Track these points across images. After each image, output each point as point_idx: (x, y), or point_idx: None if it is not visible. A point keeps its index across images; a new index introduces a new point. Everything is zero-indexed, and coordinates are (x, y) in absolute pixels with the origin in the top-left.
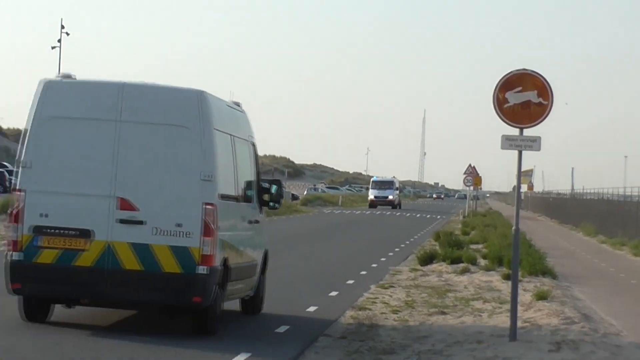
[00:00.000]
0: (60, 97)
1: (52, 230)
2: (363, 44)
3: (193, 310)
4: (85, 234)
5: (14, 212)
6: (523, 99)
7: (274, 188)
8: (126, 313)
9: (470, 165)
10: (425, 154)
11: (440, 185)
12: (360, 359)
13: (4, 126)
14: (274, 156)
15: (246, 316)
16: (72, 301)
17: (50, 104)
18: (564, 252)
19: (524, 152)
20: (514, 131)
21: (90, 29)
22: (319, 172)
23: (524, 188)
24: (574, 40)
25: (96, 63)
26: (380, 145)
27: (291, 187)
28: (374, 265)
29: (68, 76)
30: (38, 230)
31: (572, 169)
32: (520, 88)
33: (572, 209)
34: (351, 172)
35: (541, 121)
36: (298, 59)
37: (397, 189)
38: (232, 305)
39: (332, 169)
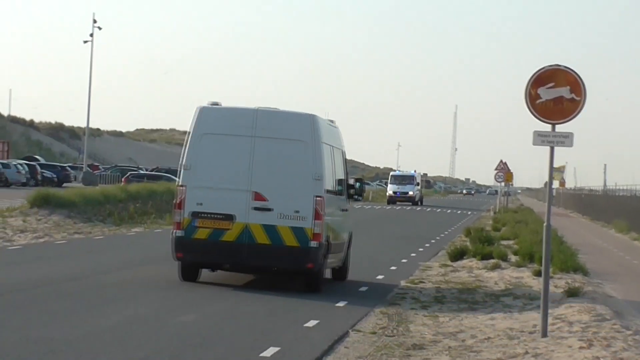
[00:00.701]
0: (211, 119)
1: (206, 215)
2: (394, 39)
3: (306, 273)
4: (229, 217)
5: (178, 201)
6: (555, 95)
7: (357, 185)
8: (250, 277)
9: (501, 161)
10: (456, 149)
11: (471, 181)
12: (390, 355)
13: (37, 120)
14: None
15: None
16: (217, 267)
17: (204, 123)
18: (595, 249)
19: (556, 148)
20: (546, 127)
21: (122, 23)
22: (349, 167)
23: (555, 184)
24: (606, 35)
25: (127, 57)
26: (412, 140)
27: None
28: (404, 260)
29: (216, 104)
30: (195, 214)
31: (605, 165)
32: (552, 84)
33: (604, 206)
34: (382, 167)
35: (574, 117)
36: (329, 53)
37: (417, 184)
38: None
39: (363, 164)
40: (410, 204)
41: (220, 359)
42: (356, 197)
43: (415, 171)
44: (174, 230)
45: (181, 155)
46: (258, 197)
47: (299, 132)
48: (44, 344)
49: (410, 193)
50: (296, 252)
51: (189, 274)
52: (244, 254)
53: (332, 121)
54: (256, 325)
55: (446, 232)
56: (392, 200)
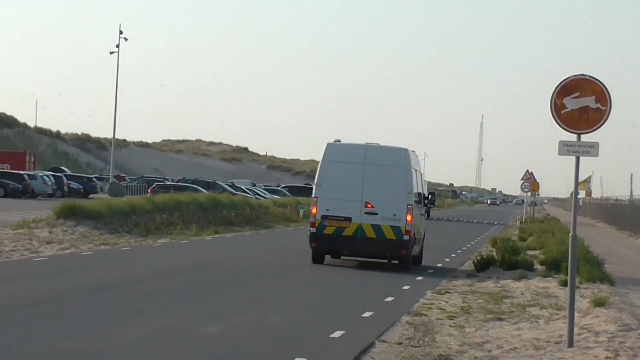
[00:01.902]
0: (335, 151)
1: (331, 217)
2: (421, 50)
3: (401, 258)
4: (348, 219)
5: (312, 209)
6: (581, 105)
7: (430, 196)
8: (358, 261)
9: (527, 171)
10: (482, 159)
11: (497, 191)
12: None
13: (63, 131)
14: None
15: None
16: (339, 254)
17: (330, 154)
18: (622, 259)
19: (581, 158)
20: (572, 137)
21: (148, 34)
22: None
23: (581, 194)
24: (633, 44)
25: (154, 67)
26: (438, 150)
27: None
28: (430, 270)
29: (338, 140)
30: (324, 217)
31: (631, 174)
32: (578, 94)
33: (631, 215)
34: None
35: (599, 127)
36: (353, 61)
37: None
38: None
39: None
40: None
41: None
42: (430, 205)
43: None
44: (310, 228)
45: (316, 177)
46: (368, 205)
47: (396, 160)
48: (70, 355)
49: None
50: (394, 244)
51: (318, 258)
52: (358, 244)
53: (414, 151)
54: (282, 336)
55: (473, 242)
56: None
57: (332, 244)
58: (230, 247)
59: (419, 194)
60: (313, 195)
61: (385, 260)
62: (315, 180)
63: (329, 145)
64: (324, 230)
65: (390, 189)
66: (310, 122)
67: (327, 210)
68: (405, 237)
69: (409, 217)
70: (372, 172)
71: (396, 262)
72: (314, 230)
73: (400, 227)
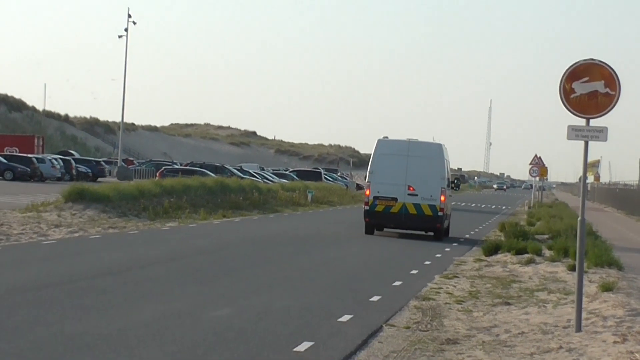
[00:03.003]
0: (384, 145)
1: (381, 198)
2: (428, 34)
3: (435, 230)
4: (394, 199)
5: (366, 191)
6: (590, 89)
7: (456, 180)
8: (400, 233)
9: (536, 155)
10: (490, 144)
11: (505, 175)
12: (423, 349)
13: (71, 114)
14: (339, 146)
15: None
16: (386, 227)
17: (380, 148)
18: (630, 244)
19: (590, 143)
20: (581, 121)
21: (157, 17)
22: None
23: (590, 179)
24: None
25: (162, 51)
26: (446, 135)
27: (356, 176)
28: (438, 255)
29: (386, 137)
30: (376, 198)
31: None
32: (587, 78)
33: (639, 200)
34: None
35: (608, 111)
36: (361, 48)
37: None
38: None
39: None
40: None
41: (254, 353)
42: (455, 188)
43: None
44: (364, 207)
45: (369, 166)
46: (410, 188)
47: (432, 153)
48: (78, 338)
49: None
50: (431, 219)
51: (370, 230)
52: (403, 219)
53: (444, 144)
54: (290, 320)
55: (480, 227)
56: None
57: (381, 219)
58: (238, 231)
59: (449, 179)
60: (366, 180)
61: (423, 232)
62: (368, 169)
63: (379, 141)
64: (375, 208)
65: (427, 176)
66: (319, 107)
67: (378, 192)
68: (440, 214)
69: (442, 198)
70: (413, 162)
71: (431, 233)
72: (367, 208)
73: (436, 206)
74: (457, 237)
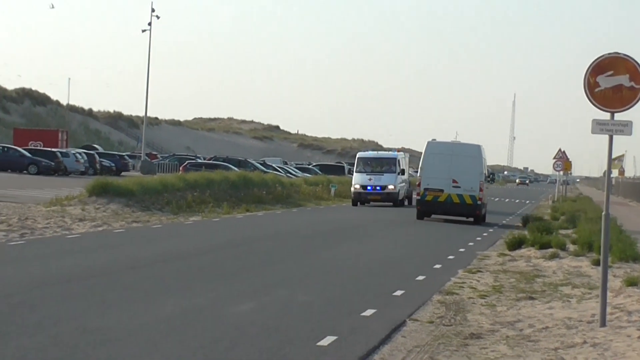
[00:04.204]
0: (433, 146)
1: (430, 189)
2: (453, 28)
3: (475, 216)
4: (441, 190)
5: (418, 183)
6: (614, 83)
7: (491, 175)
8: (443, 220)
9: (560, 149)
10: (514, 138)
11: (529, 170)
12: (447, 344)
13: (95, 109)
14: (362, 140)
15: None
16: (434, 213)
17: (430, 148)
18: None
19: (614, 137)
20: (605, 115)
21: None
22: (409, 157)
23: (614, 173)
24: None
25: (186, 45)
26: (470, 129)
27: None
28: (462, 249)
29: (434, 139)
30: (426, 189)
31: None
32: (611, 72)
33: None
34: None
35: (633, 105)
36: (384, 43)
37: (402, 171)
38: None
39: (420, 152)
40: (392, 204)
41: (277, 348)
42: (491, 182)
43: (398, 151)
44: (416, 196)
45: (420, 164)
46: (454, 181)
47: (472, 153)
48: (100, 333)
49: (391, 187)
50: (472, 207)
51: (421, 216)
52: (448, 207)
53: (482, 145)
54: (313, 314)
55: (504, 221)
56: (360, 198)
57: (430, 206)
58: (262, 225)
59: (486, 174)
60: (418, 175)
61: (464, 218)
62: (420, 166)
63: (428, 142)
64: (425, 198)
65: (469, 171)
66: (342, 101)
67: (428, 185)
68: (479, 202)
69: (481, 189)
70: (457, 160)
71: (472, 219)
72: (419, 198)
73: (476, 196)
74: (475, 235)
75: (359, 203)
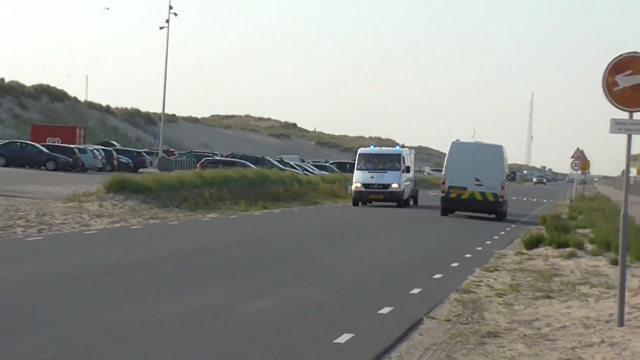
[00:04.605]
0: (457, 147)
1: (454, 187)
2: (470, 26)
3: (497, 213)
4: (464, 188)
5: (442, 181)
6: (633, 82)
7: (512, 175)
8: (461, 218)
9: (578, 149)
10: (532, 137)
11: (547, 169)
12: (464, 342)
13: (113, 105)
14: (379, 138)
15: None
16: (457, 210)
17: (454, 148)
18: None
19: (633, 136)
20: (624, 115)
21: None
22: (424, 154)
23: (633, 172)
24: None
25: (203, 42)
26: (487, 128)
27: None
28: (479, 248)
29: (458, 140)
30: (450, 187)
31: None
32: (630, 71)
33: None
34: None
35: None
36: (401, 40)
37: (407, 169)
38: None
39: (438, 151)
40: (396, 205)
41: (294, 345)
42: (512, 180)
43: (402, 146)
44: (441, 194)
45: (445, 163)
46: (477, 180)
47: (495, 153)
48: (115, 329)
49: (395, 186)
50: (494, 204)
51: (445, 213)
52: (471, 204)
53: (503, 146)
54: (329, 312)
55: (522, 220)
56: (361, 198)
57: (454, 203)
58: (278, 223)
59: (507, 173)
60: (443, 173)
61: (487, 214)
62: (445, 165)
63: (453, 143)
64: (450, 195)
65: (491, 170)
66: (360, 99)
67: (452, 183)
68: (500, 200)
69: (502, 187)
70: (479, 159)
71: (493, 215)
72: (443, 195)
73: (497, 194)
74: (493, 233)
75: (360, 203)
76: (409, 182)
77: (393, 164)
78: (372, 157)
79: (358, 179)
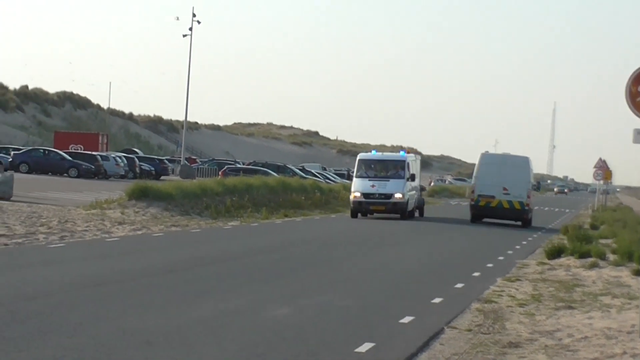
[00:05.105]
0: (486, 157)
1: (483, 195)
2: (493, 36)
3: (523, 220)
4: (492, 197)
5: (472, 190)
6: None
7: (537, 184)
8: (488, 225)
9: (600, 158)
10: (554, 146)
11: (569, 178)
12: (485, 352)
13: (135, 113)
14: (401, 147)
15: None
16: (486, 217)
17: (484, 159)
18: None
19: None
20: None
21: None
22: (446, 163)
23: None
24: None
25: (226, 50)
26: (509, 137)
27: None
28: (501, 258)
29: (487, 151)
30: (479, 195)
31: None
32: None
33: None
34: None
35: None
36: (425, 50)
37: (412, 177)
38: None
39: (460, 160)
40: (400, 217)
41: (314, 353)
42: (537, 189)
43: (407, 151)
44: (470, 202)
45: (474, 173)
46: (505, 189)
47: (521, 163)
48: (139, 335)
49: (398, 195)
50: (520, 211)
51: (474, 220)
52: (498, 212)
53: (529, 157)
54: (350, 320)
55: (543, 230)
56: (360, 209)
57: (483, 211)
58: (300, 231)
59: (532, 183)
60: (472, 183)
61: (513, 222)
62: (474, 174)
63: (482, 154)
64: (479, 203)
65: (517, 180)
66: (382, 107)
67: (481, 191)
68: (526, 208)
69: (528, 196)
70: (507, 170)
71: (519, 223)
72: (472, 203)
73: (524, 202)
74: (508, 247)
75: (359, 214)
76: (414, 192)
77: (396, 171)
78: (373, 164)
79: (357, 187)
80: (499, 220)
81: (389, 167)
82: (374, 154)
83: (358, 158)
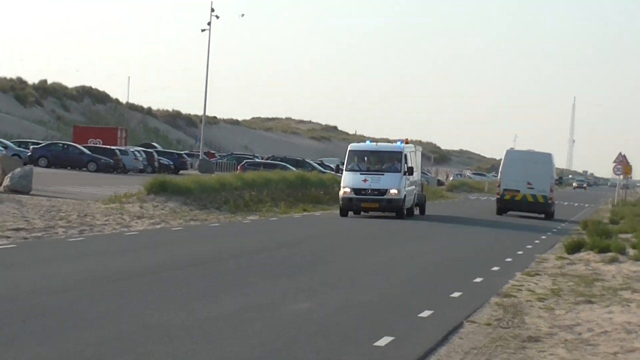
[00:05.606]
0: (512, 154)
1: (508, 190)
2: (513, 29)
3: (546, 213)
4: (517, 191)
5: (498, 185)
6: None
7: (559, 179)
8: (508, 220)
9: (620, 153)
10: (574, 141)
11: (589, 173)
12: (505, 346)
13: (154, 107)
14: (420, 141)
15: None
16: (511, 210)
17: (509, 155)
18: None
19: None
20: None
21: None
22: (465, 158)
23: None
24: None
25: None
26: (528, 132)
27: (438, 173)
28: (520, 252)
29: (512, 148)
30: (505, 190)
31: None
32: None
33: None
34: (497, 158)
35: None
36: (443, 45)
37: (410, 170)
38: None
39: (479, 155)
40: (395, 215)
41: (335, 347)
42: (559, 184)
43: (405, 141)
44: (497, 196)
45: (500, 169)
46: (529, 183)
47: (544, 160)
48: (160, 329)
49: (393, 191)
50: (543, 205)
51: (500, 212)
52: (523, 205)
53: (552, 154)
54: (370, 314)
55: (563, 224)
56: (351, 206)
57: (508, 204)
58: (319, 225)
59: (555, 178)
60: (498, 178)
61: (536, 214)
62: (500, 170)
63: (507, 151)
64: (504, 197)
65: (541, 175)
66: (400, 102)
67: (507, 186)
68: (549, 201)
69: (551, 191)
70: (531, 165)
71: (542, 215)
72: (498, 197)
73: (547, 196)
74: (526, 243)
75: (349, 212)
76: (413, 187)
77: (392, 164)
78: (366, 156)
79: (347, 182)
80: (524, 213)
81: (383, 160)
82: (367, 145)
83: (349, 149)
